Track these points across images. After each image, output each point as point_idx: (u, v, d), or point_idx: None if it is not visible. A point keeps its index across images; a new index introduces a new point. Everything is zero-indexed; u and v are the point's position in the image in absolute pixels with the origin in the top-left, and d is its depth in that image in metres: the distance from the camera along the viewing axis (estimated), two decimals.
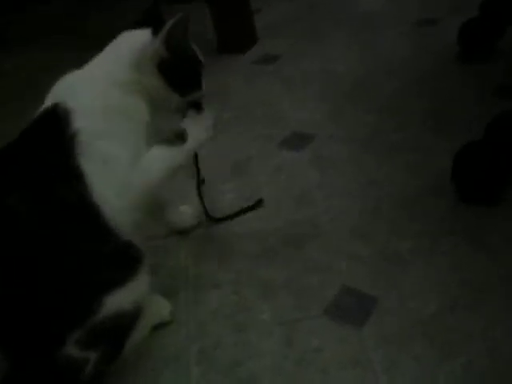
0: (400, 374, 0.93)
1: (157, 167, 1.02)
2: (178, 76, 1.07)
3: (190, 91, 1.10)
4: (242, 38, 2.19)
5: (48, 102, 1.02)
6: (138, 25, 1.08)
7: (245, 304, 1.12)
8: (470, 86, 1.66)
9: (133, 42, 1.05)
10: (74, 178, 0.93)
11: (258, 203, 1.33)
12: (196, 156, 1.24)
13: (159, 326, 1.10)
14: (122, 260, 0.96)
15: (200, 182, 1.30)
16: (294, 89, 1.86)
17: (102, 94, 1.01)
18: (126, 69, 1.04)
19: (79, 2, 3.13)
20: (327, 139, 1.56)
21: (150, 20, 1.07)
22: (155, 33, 1.03)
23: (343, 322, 1.04)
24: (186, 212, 1.33)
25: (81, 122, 0.96)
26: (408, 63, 1.87)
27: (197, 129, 1.11)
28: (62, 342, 0.89)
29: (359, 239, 1.21)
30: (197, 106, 1.15)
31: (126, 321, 0.96)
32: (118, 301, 0.92)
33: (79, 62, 1.08)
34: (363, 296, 1.08)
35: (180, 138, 1.09)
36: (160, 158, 1.04)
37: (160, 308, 1.11)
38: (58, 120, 0.96)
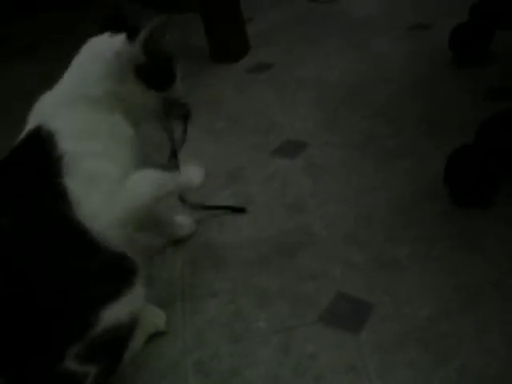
0: (395, 380, 0.93)
1: (143, 191, 1.02)
2: (156, 76, 1.07)
3: (166, 86, 1.10)
4: (235, 46, 2.20)
5: (30, 124, 1.03)
6: (101, 30, 1.08)
7: (241, 313, 1.12)
8: (464, 89, 1.67)
9: (106, 50, 1.05)
10: (60, 197, 0.93)
11: (241, 209, 1.38)
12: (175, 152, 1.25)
13: (156, 337, 1.10)
14: (115, 273, 0.96)
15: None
16: (288, 96, 1.86)
17: (81, 115, 1.02)
18: (100, 81, 1.03)
19: (78, 8, 3.13)
20: (321, 146, 1.57)
21: (115, 25, 1.07)
22: (131, 38, 1.03)
23: (339, 328, 1.04)
24: (181, 222, 1.34)
25: (65, 144, 0.97)
26: (402, 68, 1.88)
27: (192, 173, 1.17)
28: (62, 356, 0.89)
29: (354, 245, 1.21)
30: (176, 109, 1.16)
31: (124, 332, 0.96)
32: (114, 314, 0.93)
33: None
34: (358, 302, 1.09)
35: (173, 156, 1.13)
36: (148, 183, 1.04)
37: (154, 318, 1.12)
38: (43, 143, 0.97)
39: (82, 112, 1.02)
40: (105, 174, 0.98)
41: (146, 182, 1.04)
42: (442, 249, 1.16)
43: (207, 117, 1.82)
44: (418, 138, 1.51)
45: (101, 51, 1.05)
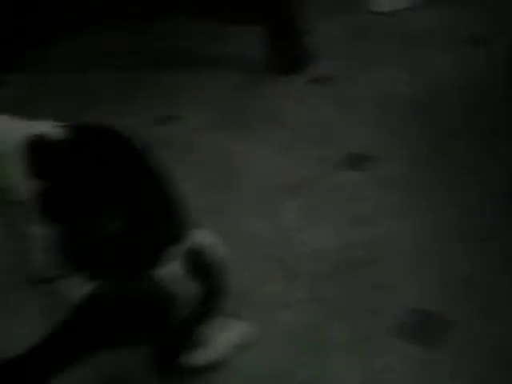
0: None
1: None
2: None
3: None
4: (295, 58, 2.21)
5: None
6: None
7: (313, 324, 1.13)
8: None
9: None
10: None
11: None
12: None
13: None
14: None
15: None
16: (349, 109, 1.87)
17: None
18: None
19: None
20: (385, 160, 1.57)
21: None
22: None
23: (411, 341, 1.05)
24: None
25: None
26: (464, 82, 1.87)
27: None
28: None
29: (424, 259, 1.22)
30: None
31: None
32: None
33: None
34: (431, 316, 1.09)
35: None
36: None
37: (240, 329, 1.13)
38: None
39: None
40: None
41: None
42: None
43: (267, 128, 1.85)
44: (485, 153, 1.50)
45: None
